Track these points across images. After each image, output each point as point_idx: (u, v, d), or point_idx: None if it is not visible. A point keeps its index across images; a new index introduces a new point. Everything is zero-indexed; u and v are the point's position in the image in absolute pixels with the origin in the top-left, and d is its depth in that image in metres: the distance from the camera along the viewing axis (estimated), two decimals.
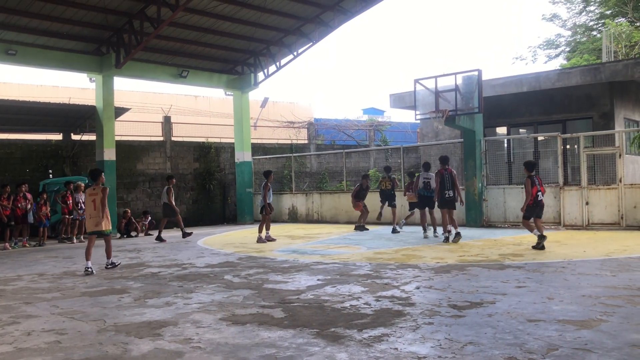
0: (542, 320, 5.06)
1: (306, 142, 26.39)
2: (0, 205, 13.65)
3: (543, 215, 14.30)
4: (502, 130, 19.62)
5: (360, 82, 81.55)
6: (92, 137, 18.27)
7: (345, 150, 21.16)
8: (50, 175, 18.02)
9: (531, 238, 11.67)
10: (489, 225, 15.18)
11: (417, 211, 13.96)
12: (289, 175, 21.97)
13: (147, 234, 17.05)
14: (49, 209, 15.39)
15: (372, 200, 16.36)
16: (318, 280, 7.67)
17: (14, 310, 6.32)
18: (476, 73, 14.18)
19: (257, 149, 22.70)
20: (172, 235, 15.83)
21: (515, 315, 5.31)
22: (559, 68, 24.55)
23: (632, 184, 13.67)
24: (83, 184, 16.01)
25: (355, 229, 15.64)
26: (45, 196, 15.26)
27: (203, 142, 22.12)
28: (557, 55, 35.49)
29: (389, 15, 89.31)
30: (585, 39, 33.55)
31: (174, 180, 15.59)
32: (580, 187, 13.98)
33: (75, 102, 18.60)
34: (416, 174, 14.38)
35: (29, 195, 14.44)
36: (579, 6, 34.69)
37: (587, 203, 13.79)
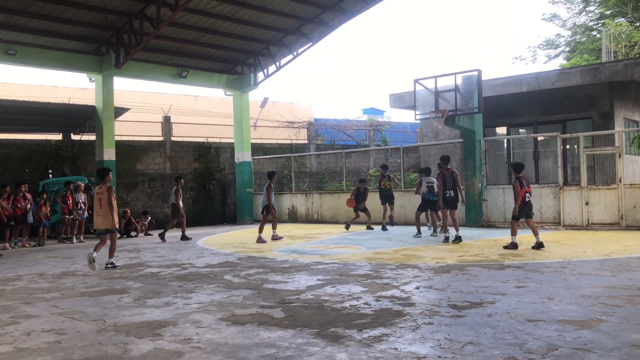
0: (542, 320, 5.07)
1: (306, 142, 26.39)
2: (0, 205, 13.64)
3: (543, 215, 14.47)
4: (502, 130, 19.62)
5: (360, 82, 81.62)
6: (92, 137, 18.28)
7: (345, 150, 21.16)
8: (50, 175, 18.02)
9: (531, 238, 11.67)
10: (489, 225, 15.18)
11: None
12: (289, 175, 21.97)
13: (147, 234, 17.04)
14: (48, 209, 15.39)
15: (373, 200, 16.34)
16: (318, 280, 7.67)
17: (14, 310, 6.32)
18: (476, 73, 14.18)
19: (257, 149, 22.70)
20: (171, 235, 15.81)
21: (515, 315, 5.31)
22: (559, 68, 24.57)
23: (631, 184, 13.68)
24: (83, 184, 16.03)
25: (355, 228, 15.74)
26: (45, 196, 15.26)
27: (203, 142, 22.13)
28: (557, 56, 35.52)
29: (389, 15, 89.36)
30: (585, 39, 33.56)
31: (183, 181, 15.33)
32: (580, 187, 13.98)
33: (75, 102, 18.60)
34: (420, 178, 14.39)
35: (28, 195, 14.43)
36: (578, 6, 34.71)
37: (586, 203, 13.79)
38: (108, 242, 9.63)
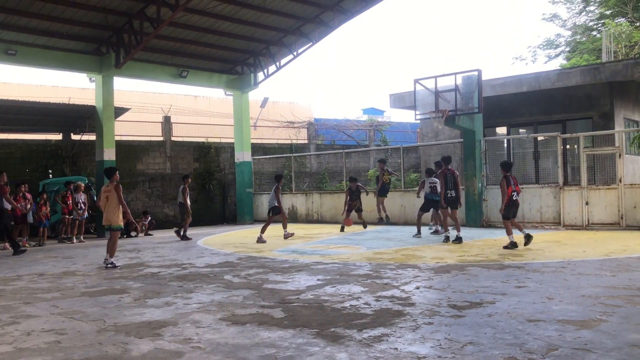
0: (542, 320, 5.06)
1: (306, 142, 26.40)
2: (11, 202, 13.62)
3: (543, 215, 14.47)
4: (502, 130, 19.61)
5: (360, 82, 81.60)
6: (92, 137, 18.28)
7: (345, 150, 21.16)
8: (50, 175, 18.02)
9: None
10: (489, 225, 15.18)
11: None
12: (289, 175, 21.96)
13: (147, 234, 17.05)
14: (48, 209, 15.39)
15: (372, 200, 16.32)
16: (318, 280, 7.67)
17: (14, 310, 6.32)
18: (476, 73, 14.18)
19: (257, 149, 22.70)
20: (172, 235, 15.82)
21: (515, 315, 5.31)
22: (559, 68, 24.56)
23: (632, 184, 13.68)
24: (83, 184, 16.03)
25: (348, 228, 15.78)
26: (45, 196, 15.26)
27: (203, 142, 22.13)
28: (557, 55, 35.51)
29: (388, 15, 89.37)
30: (585, 39, 33.55)
31: (190, 180, 15.47)
32: (580, 187, 13.98)
33: (75, 102, 18.61)
34: (422, 179, 14.45)
35: (28, 195, 14.42)
36: (578, 6, 34.70)
37: (587, 203, 13.79)
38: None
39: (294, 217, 20.44)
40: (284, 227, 13.88)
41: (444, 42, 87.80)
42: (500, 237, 12.59)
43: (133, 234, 16.74)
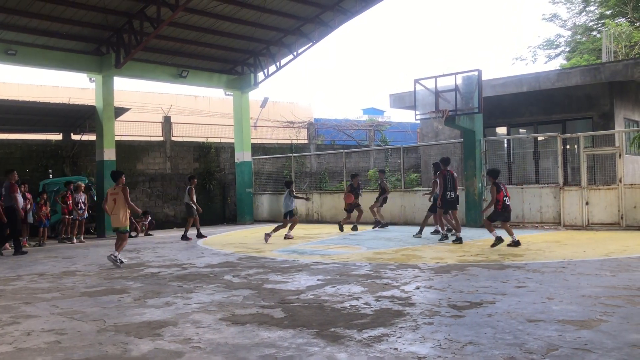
0: (542, 320, 5.06)
1: (306, 142, 26.39)
2: (0, 206, 13.62)
3: (543, 215, 14.47)
4: (502, 130, 19.61)
5: (360, 82, 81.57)
6: (92, 137, 18.28)
7: (345, 151, 21.15)
8: (50, 175, 18.02)
9: (531, 238, 11.70)
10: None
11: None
12: (289, 175, 21.97)
13: (147, 234, 17.05)
14: (49, 209, 15.39)
15: (371, 200, 16.33)
16: (318, 280, 7.67)
17: (14, 310, 6.32)
18: (476, 73, 14.18)
19: (257, 149, 22.70)
20: (172, 235, 15.82)
21: (515, 315, 5.31)
22: (559, 68, 24.55)
23: (632, 184, 13.68)
24: (83, 184, 16.03)
25: (348, 228, 15.60)
26: (45, 196, 15.26)
27: (203, 142, 22.13)
28: (557, 56, 35.50)
29: (388, 15, 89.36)
30: (585, 39, 33.54)
31: (196, 181, 15.59)
32: (580, 187, 13.98)
33: (75, 102, 18.61)
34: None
35: (28, 195, 14.41)
36: (579, 6, 34.69)
37: (587, 203, 13.79)
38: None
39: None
40: (291, 228, 13.98)
41: (444, 42, 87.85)
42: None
43: (133, 234, 16.71)
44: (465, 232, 12.84)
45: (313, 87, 72.74)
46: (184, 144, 21.68)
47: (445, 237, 12.10)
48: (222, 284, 7.66)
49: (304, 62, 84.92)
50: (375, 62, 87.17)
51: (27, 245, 14.26)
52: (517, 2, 77.85)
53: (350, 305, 5.97)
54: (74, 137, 19.12)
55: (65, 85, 25.84)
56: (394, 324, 5.14)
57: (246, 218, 20.69)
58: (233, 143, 21.35)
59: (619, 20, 31.02)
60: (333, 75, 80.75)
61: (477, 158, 15.16)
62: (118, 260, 9.79)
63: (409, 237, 13.31)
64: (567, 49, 34.82)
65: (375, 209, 15.70)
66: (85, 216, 15.73)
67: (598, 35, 31.43)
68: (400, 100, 20.84)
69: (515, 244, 10.54)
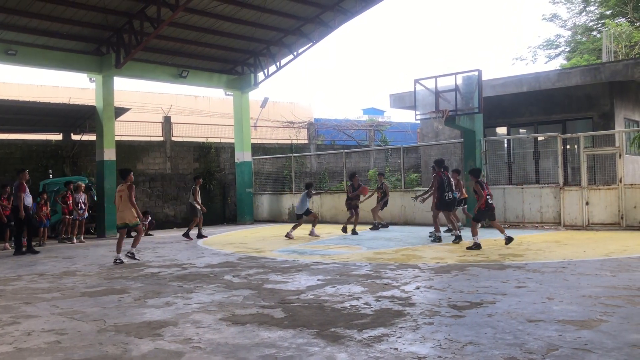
0: (542, 321, 5.07)
1: (306, 142, 26.39)
2: (0, 205, 13.63)
3: (543, 215, 14.47)
4: (502, 130, 19.61)
5: (360, 82, 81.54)
6: (92, 137, 18.28)
7: (345, 151, 21.15)
8: (50, 175, 18.01)
9: (531, 238, 11.70)
10: (489, 225, 15.13)
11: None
12: (289, 175, 21.97)
13: (147, 234, 17.03)
14: (49, 209, 15.38)
15: (371, 201, 16.33)
16: (318, 280, 7.67)
17: (14, 310, 6.32)
18: (476, 73, 14.18)
19: (257, 149, 22.70)
20: (172, 235, 15.82)
21: (515, 315, 5.31)
22: (559, 68, 24.55)
23: (632, 184, 13.67)
24: (83, 184, 16.03)
25: (370, 229, 15.51)
26: (45, 196, 15.25)
27: (203, 142, 22.13)
28: (557, 56, 35.50)
29: (388, 15, 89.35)
30: (585, 39, 33.54)
31: (201, 181, 15.76)
32: (580, 187, 13.98)
33: (75, 102, 18.60)
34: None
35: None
36: (579, 6, 34.69)
37: (587, 203, 13.79)
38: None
39: (294, 217, 20.41)
40: (295, 228, 14.41)
41: (444, 42, 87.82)
42: (500, 237, 12.60)
43: (133, 234, 16.71)
44: (466, 232, 12.81)
45: (313, 87, 72.77)
46: (184, 144, 21.68)
47: (439, 239, 12.09)
48: (222, 284, 7.66)
49: (304, 62, 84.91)
50: (375, 62, 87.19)
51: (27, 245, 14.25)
52: (517, 2, 77.86)
53: (351, 305, 5.97)
54: (74, 137, 19.12)
55: (65, 85, 25.83)
56: (394, 324, 5.14)
57: (246, 218, 20.69)
58: (233, 143, 21.35)
59: (619, 20, 31.01)
60: (333, 75, 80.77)
61: (477, 158, 15.16)
62: (132, 255, 10.44)
63: (409, 237, 13.31)
64: (567, 49, 34.81)
65: (375, 212, 15.67)
66: (86, 216, 15.73)
67: (598, 35, 31.43)
68: (401, 100, 20.83)
69: (509, 240, 10.62)
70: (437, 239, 12.09)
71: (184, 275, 8.61)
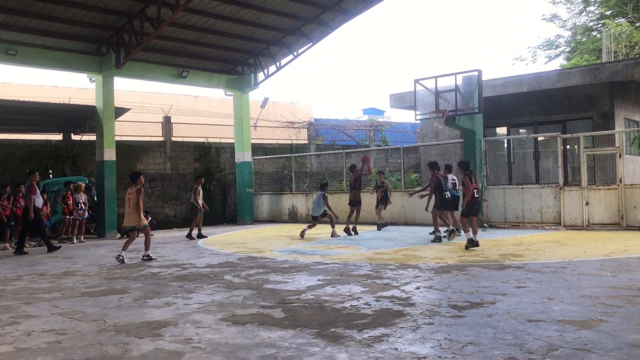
0: (542, 321, 5.07)
1: (306, 142, 26.39)
2: (0, 205, 13.64)
3: (543, 215, 14.47)
4: (502, 130, 19.61)
5: (360, 82, 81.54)
6: (92, 137, 18.28)
7: (345, 151, 21.15)
8: (51, 175, 18.01)
9: (531, 238, 11.70)
10: (489, 225, 15.16)
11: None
12: (289, 175, 21.97)
13: None
14: (49, 209, 15.39)
15: (371, 200, 16.31)
16: (318, 280, 7.67)
17: (14, 310, 6.32)
18: (476, 73, 14.19)
19: (257, 149, 22.69)
20: (172, 235, 15.82)
21: (515, 315, 5.31)
22: (559, 68, 24.56)
23: (632, 184, 13.67)
24: (83, 184, 16.03)
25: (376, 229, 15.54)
26: (45, 196, 15.25)
27: (203, 142, 22.13)
28: (557, 56, 35.50)
29: (388, 15, 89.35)
30: (585, 39, 33.54)
31: (202, 180, 15.83)
32: (580, 187, 13.98)
33: (75, 102, 18.60)
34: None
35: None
36: (579, 6, 34.69)
37: (587, 203, 13.79)
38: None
39: (295, 218, 20.44)
40: (310, 227, 14.66)
41: (444, 42, 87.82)
42: (500, 237, 12.61)
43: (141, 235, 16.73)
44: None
45: (313, 87, 72.76)
46: (184, 144, 21.68)
47: (438, 239, 12.11)
48: (223, 284, 7.66)
49: (304, 62, 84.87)
50: (375, 62, 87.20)
51: (27, 245, 14.24)
52: (517, 2, 77.86)
53: (351, 306, 5.97)
54: (74, 137, 19.12)
55: (66, 85, 25.83)
56: (394, 324, 5.14)
57: (246, 218, 20.69)
58: (233, 143, 21.35)
59: (619, 20, 31.01)
60: (333, 75, 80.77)
61: (477, 158, 15.16)
62: (148, 257, 10.55)
63: (409, 237, 13.31)
64: (567, 49, 34.81)
65: (378, 211, 15.68)
66: (86, 216, 15.73)
67: (598, 36, 31.42)
68: (401, 101, 20.83)
69: (471, 243, 10.42)
70: (437, 239, 12.11)
71: (184, 275, 8.61)
